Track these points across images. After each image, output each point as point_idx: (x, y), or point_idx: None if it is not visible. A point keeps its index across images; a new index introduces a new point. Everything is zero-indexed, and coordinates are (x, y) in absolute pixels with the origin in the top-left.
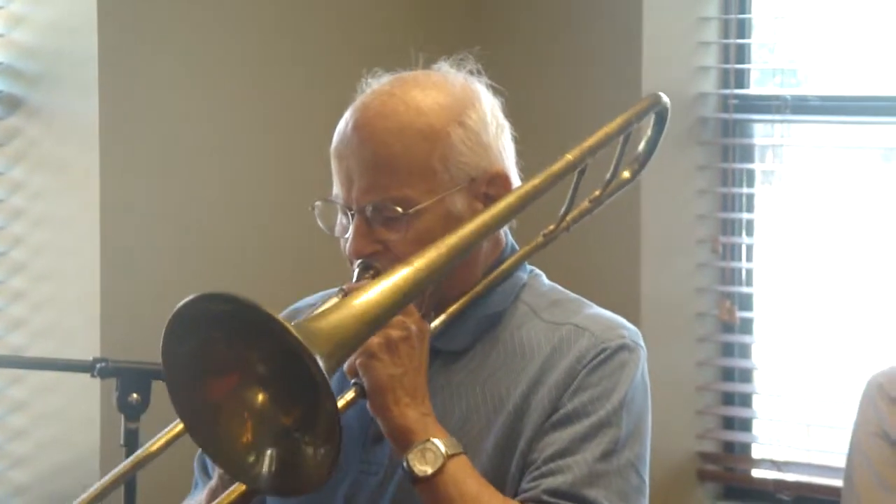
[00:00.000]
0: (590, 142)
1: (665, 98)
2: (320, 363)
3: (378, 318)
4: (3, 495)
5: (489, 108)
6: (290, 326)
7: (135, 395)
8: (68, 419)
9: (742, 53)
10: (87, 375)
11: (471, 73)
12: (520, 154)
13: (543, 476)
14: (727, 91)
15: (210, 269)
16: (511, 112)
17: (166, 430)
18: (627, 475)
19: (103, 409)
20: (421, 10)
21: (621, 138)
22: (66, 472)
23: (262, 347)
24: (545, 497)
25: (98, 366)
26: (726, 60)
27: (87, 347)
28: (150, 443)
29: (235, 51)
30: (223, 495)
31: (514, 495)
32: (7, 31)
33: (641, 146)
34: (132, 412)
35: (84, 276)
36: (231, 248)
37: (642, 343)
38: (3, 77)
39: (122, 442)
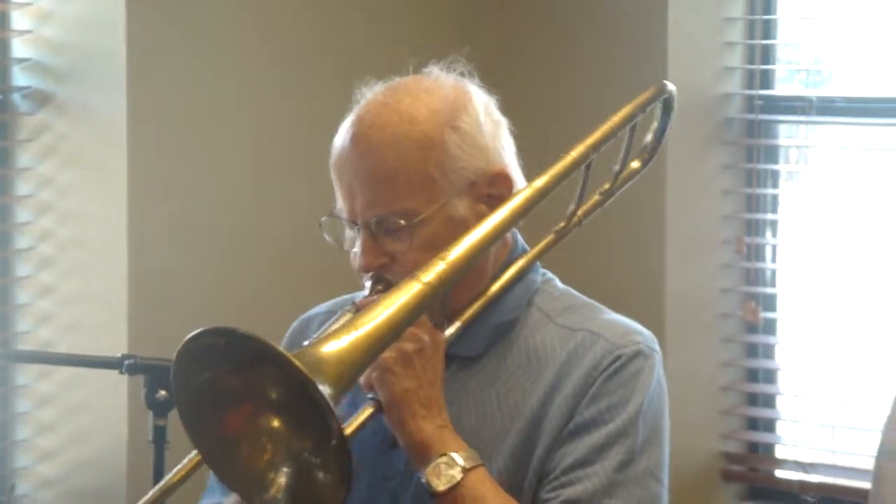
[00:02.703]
0: (593, 137)
1: (671, 86)
2: (325, 391)
3: (387, 337)
4: (31, 488)
5: (482, 108)
6: (293, 358)
7: (163, 392)
8: (96, 414)
9: (767, 54)
10: (115, 371)
11: (462, 75)
12: (544, 157)
13: (562, 486)
14: (752, 91)
15: (238, 266)
16: (536, 113)
17: (185, 460)
18: (646, 483)
19: (131, 404)
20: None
21: (628, 129)
22: (94, 467)
23: (270, 376)
24: None
25: (126, 362)
26: (751, 61)
27: (115, 343)
28: (172, 474)
29: (263, 46)
30: None
31: (531, 502)
32: (35, 27)
33: (649, 136)
34: (160, 409)
35: (112, 271)
36: (260, 245)
37: (657, 347)
38: (31, 73)
39: (150, 438)
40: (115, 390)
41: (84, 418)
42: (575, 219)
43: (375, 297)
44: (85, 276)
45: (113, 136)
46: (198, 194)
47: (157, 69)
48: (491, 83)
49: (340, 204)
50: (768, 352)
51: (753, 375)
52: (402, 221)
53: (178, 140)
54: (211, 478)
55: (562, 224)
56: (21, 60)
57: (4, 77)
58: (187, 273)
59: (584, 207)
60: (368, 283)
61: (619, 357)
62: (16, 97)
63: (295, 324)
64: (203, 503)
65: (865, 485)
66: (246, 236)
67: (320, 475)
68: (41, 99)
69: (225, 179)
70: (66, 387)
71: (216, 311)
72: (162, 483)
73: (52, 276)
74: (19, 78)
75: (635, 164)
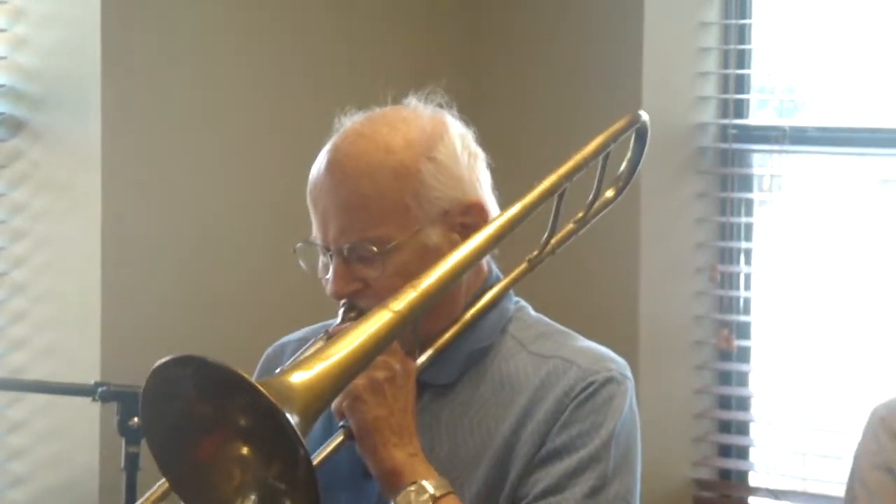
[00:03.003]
0: (565, 167)
1: (644, 115)
2: (293, 420)
3: (356, 366)
4: None
5: (459, 139)
6: (261, 386)
7: (135, 419)
8: (68, 440)
9: (741, 83)
10: (89, 399)
11: (440, 106)
12: (512, 182)
13: None
14: (726, 121)
15: (212, 291)
16: (509, 141)
17: (154, 487)
18: None
19: (103, 430)
20: (416, 33)
21: (601, 158)
22: (65, 493)
23: (239, 403)
24: None
25: (99, 389)
26: (725, 90)
27: (88, 369)
28: (140, 501)
29: (240, 76)
30: None
31: None
32: (9, 54)
33: (623, 165)
34: (133, 436)
35: (85, 297)
36: (233, 270)
37: (630, 374)
38: (5, 99)
39: (122, 465)
40: (88, 417)
41: (56, 444)
42: (548, 247)
43: (346, 325)
44: (58, 302)
45: (87, 162)
46: (172, 220)
47: (132, 96)
48: (466, 114)
49: (315, 231)
50: (741, 379)
51: (726, 403)
52: (375, 248)
53: (151, 166)
54: None
55: (535, 252)
56: None
57: None
58: (162, 300)
59: (558, 236)
60: (341, 312)
61: (591, 384)
62: None
63: (269, 350)
64: None
65: None
66: (221, 262)
67: (288, 502)
68: (15, 125)
69: (199, 206)
70: (38, 413)
71: (191, 338)
72: None
73: (25, 302)
74: None
75: (609, 194)
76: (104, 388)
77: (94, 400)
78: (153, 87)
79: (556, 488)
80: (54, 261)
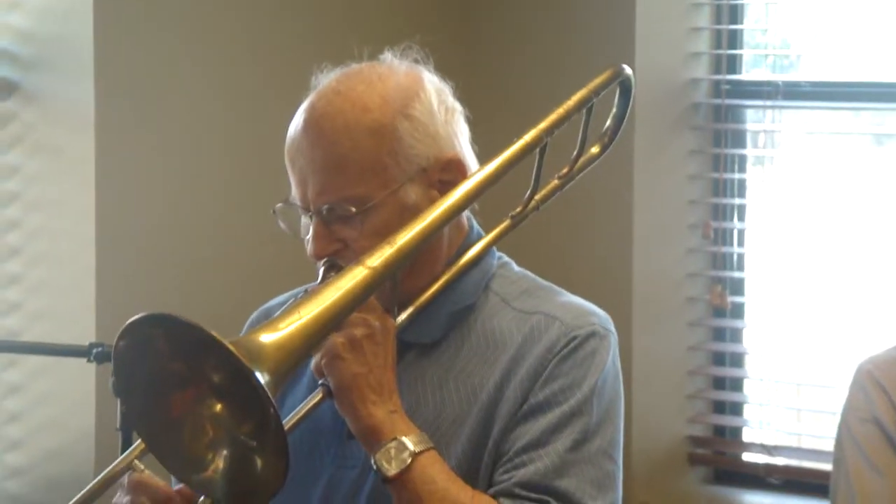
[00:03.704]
0: (546, 121)
1: (627, 69)
2: (264, 379)
3: (330, 324)
4: None
5: (435, 95)
6: (231, 346)
7: (117, 398)
8: (63, 403)
9: (734, 39)
10: (83, 360)
11: (416, 61)
12: (502, 140)
13: (515, 468)
14: (719, 76)
15: (206, 254)
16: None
17: (129, 450)
18: (600, 462)
19: (98, 392)
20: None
21: (584, 113)
22: (62, 456)
23: (211, 361)
24: (517, 490)
25: (95, 350)
26: (718, 46)
27: (83, 331)
28: (115, 463)
29: (229, 33)
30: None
31: (488, 485)
32: (2, 16)
33: (609, 121)
34: None
35: (79, 259)
36: (229, 233)
37: (612, 328)
38: None
39: (118, 426)
40: (83, 379)
41: (52, 407)
42: (532, 203)
43: (323, 282)
44: (52, 265)
45: (80, 125)
46: (166, 183)
47: (125, 58)
48: (448, 69)
49: (294, 191)
50: (735, 336)
51: (720, 359)
52: (353, 208)
53: (145, 129)
54: None
55: (518, 209)
56: None
57: None
58: (156, 261)
59: (543, 192)
60: (322, 271)
61: (574, 338)
62: None
63: (254, 314)
64: None
65: (830, 467)
66: (215, 224)
67: (258, 461)
68: (8, 88)
69: (193, 168)
70: (34, 376)
71: (185, 299)
72: (105, 472)
73: (19, 266)
74: None
75: (595, 149)
76: (99, 348)
77: (89, 361)
78: (146, 49)
79: (539, 443)
80: (48, 223)
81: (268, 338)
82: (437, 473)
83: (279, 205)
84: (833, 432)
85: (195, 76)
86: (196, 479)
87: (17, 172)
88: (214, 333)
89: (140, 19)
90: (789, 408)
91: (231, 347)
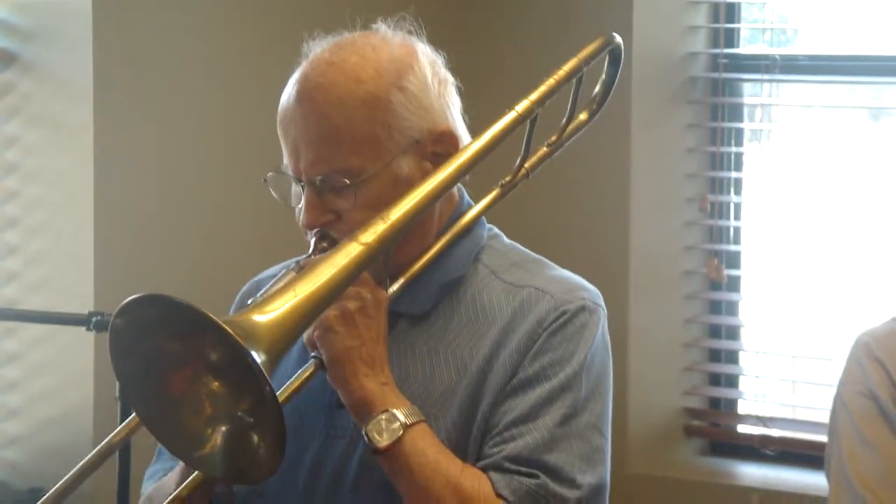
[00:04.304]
0: (537, 92)
1: (617, 38)
2: (259, 358)
3: (324, 301)
4: None
5: (429, 67)
6: (226, 325)
7: (115, 377)
8: (62, 372)
9: (731, 13)
10: (82, 329)
11: (410, 32)
12: (494, 113)
13: (504, 442)
14: (717, 50)
15: (203, 224)
16: (497, 71)
17: (125, 422)
18: (589, 437)
19: (97, 361)
20: None
21: (574, 81)
22: (60, 424)
23: (207, 339)
24: (506, 464)
25: (94, 319)
26: (716, 20)
27: (81, 301)
28: (112, 435)
29: (227, 2)
30: (185, 483)
31: (477, 458)
32: None
33: (597, 88)
34: None
35: (78, 229)
36: (226, 203)
37: (602, 303)
38: None
39: (116, 394)
40: (82, 348)
41: (50, 376)
42: (521, 172)
43: (317, 257)
44: (51, 235)
45: (79, 95)
46: (164, 153)
47: (123, 28)
48: (439, 40)
49: (286, 160)
50: (731, 308)
51: (716, 332)
52: (347, 180)
53: (143, 99)
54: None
55: (508, 178)
56: None
57: None
58: (153, 230)
59: (532, 160)
60: (313, 241)
61: (564, 313)
62: None
63: (245, 287)
64: (153, 468)
65: (825, 439)
66: (212, 194)
67: (255, 438)
68: (6, 58)
69: (191, 138)
70: (33, 344)
71: (182, 269)
72: (101, 445)
73: (17, 236)
74: None
75: (583, 116)
76: (98, 317)
77: (88, 329)
78: (144, 20)
79: (528, 417)
80: (47, 194)
81: (263, 317)
82: (428, 446)
83: (270, 174)
84: (828, 404)
85: (192, 46)
86: (195, 457)
87: (15, 143)
88: (210, 314)
89: None
90: (784, 380)
91: (226, 328)
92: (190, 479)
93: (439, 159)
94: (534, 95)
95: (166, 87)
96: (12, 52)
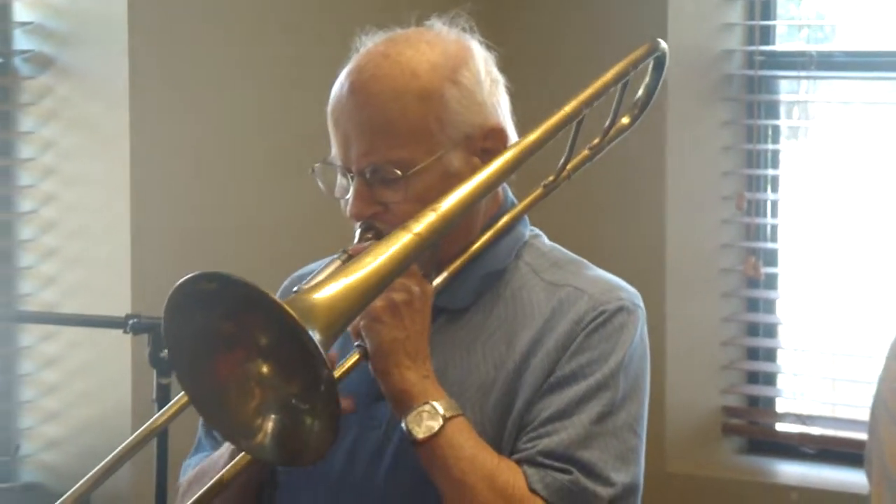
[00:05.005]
0: (586, 93)
1: (663, 44)
2: (316, 338)
3: (377, 286)
4: (36, 449)
5: (482, 64)
6: (284, 304)
7: (166, 351)
8: (100, 374)
9: (767, 9)
10: (120, 331)
11: (463, 30)
12: (535, 108)
13: (539, 437)
14: (753, 47)
15: (240, 226)
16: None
17: (173, 401)
18: (624, 436)
19: (135, 364)
20: None
21: (619, 85)
22: (99, 427)
23: (260, 321)
24: (540, 458)
25: (131, 322)
26: (752, 17)
27: (118, 304)
28: (158, 415)
29: (264, 4)
30: (231, 464)
31: (510, 454)
32: None
33: (640, 92)
34: (164, 367)
35: (115, 233)
36: (263, 205)
37: (641, 304)
38: (33, 36)
39: (153, 397)
40: (119, 351)
41: (88, 379)
42: (564, 173)
43: (367, 244)
44: (88, 238)
45: (115, 99)
46: (200, 155)
47: (159, 31)
48: (489, 39)
49: (335, 151)
50: (769, 306)
51: (754, 330)
52: (398, 171)
53: (179, 102)
54: (199, 433)
55: (551, 178)
56: (23, 24)
57: (6, 40)
58: (190, 233)
59: (574, 162)
60: (358, 232)
61: (602, 312)
62: (18, 61)
63: (286, 282)
64: (192, 459)
65: (865, 436)
66: (248, 197)
67: (308, 421)
68: (43, 62)
69: (227, 140)
70: (71, 348)
71: (219, 269)
72: (148, 424)
73: (55, 239)
74: (21, 41)
75: (625, 120)
76: (135, 319)
77: (125, 332)
78: (180, 24)
79: (563, 414)
80: (83, 197)
81: (319, 297)
82: (466, 440)
83: (318, 164)
84: (868, 401)
85: (229, 50)
86: (245, 440)
87: (52, 147)
88: (268, 291)
89: None
90: (823, 377)
91: (284, 306)
92: (233, 462)
93: (488, 155)
94: (581, 96)
95: (202, 91)
96: (49, 56)
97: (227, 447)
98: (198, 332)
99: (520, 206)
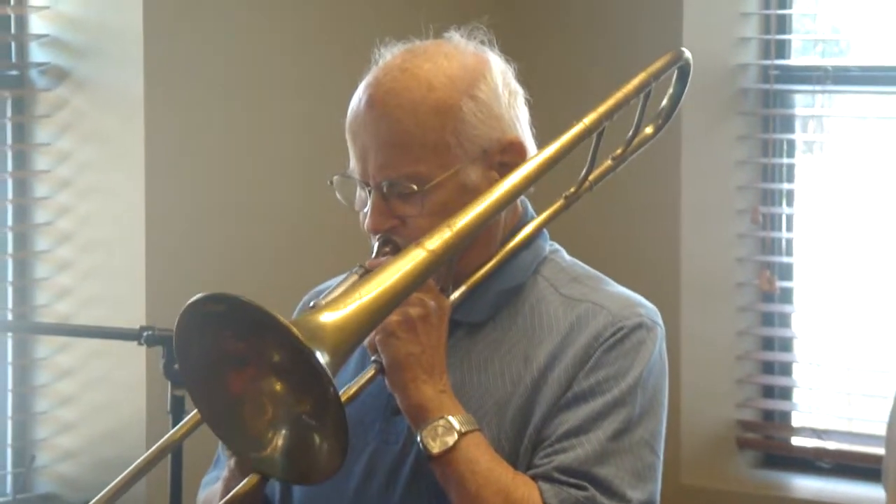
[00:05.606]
0: (605, 105)
1: (687, 53)
2: (323, 359)
3: (389, 305)
4: (51, 460)
5: (500, 77)
6: (292, 325)
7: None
8: (115, 386)
9: (783, 24)
10: (134, 343)
11: (482, 42)
12: (554, 121)
13: (556, 453)
14: (768, 61)
15: (254, 239)
16: (549, 83)
17: (186, 418)
18: (641, 453)
19: (149, 375)
20: None
21: (642, 96)
22: (113, 438)
23: (271, 341)
24: (556, 474)
25: (145, 334)
26: (767, 31)
27: (133, 315)
28: (173, 431)
29: (280, 18)
30: (237, 487)
31: (526, 469)
32: (53, 3)
33: (664, 102)
34: (178, 379)
35: (130, 244)
36: (277, 218)
37: (660, 321)
38: (49, 49)
39: (168, 408)
40: (134, 362)
41: (103, 390)
42: (586, 184)
43: (382, 260)
44: (103, 249)
45: (130, 111)
46: (214, 168)
47: (174, 44)
48: (508, 52)
49: (353, 164)
50: (784, 320)
51: (769, 344)
52: (415, 186)
53: (194, 115)
54: (218, 448)
55: (572, 189)
56: (39, 36)
57: (23, 53)
58: (204, 246)
59: (596, 173)
60: (376, 245)
61: (620, 329)
62: (33, 73)
63: (306, 297)
64: (211, 475)
65: (881, 451)
66: (263, 209)
67: (317, 439)
68: (59, 75)
69: (241, 153)
70: (86, 359)
71: (233, 284)
72: (163, 440)
73: (70, 251)
74: (37, 54)
75: (648, 130)
76: (150, 332)
77: (139, 344)
78: (195, 36)
79: (580, 429)
80: (99, 209)
81: (328, 318)
82: (481, 455)
83: (336, 177)
84: (884, 416)
85: (244, 62)
86: (256, 458)
87: (67, 159)
88: (275, 313)
89: (189, 6)
90: (839, 391)
91: (291, 328)
92: (245, 481)
93: (506, 169)
94: (602, 108)
95: (217, 103)
96: (64, 68)
97: (225, 474)
98: (208, 352)
99: (541, 218)
